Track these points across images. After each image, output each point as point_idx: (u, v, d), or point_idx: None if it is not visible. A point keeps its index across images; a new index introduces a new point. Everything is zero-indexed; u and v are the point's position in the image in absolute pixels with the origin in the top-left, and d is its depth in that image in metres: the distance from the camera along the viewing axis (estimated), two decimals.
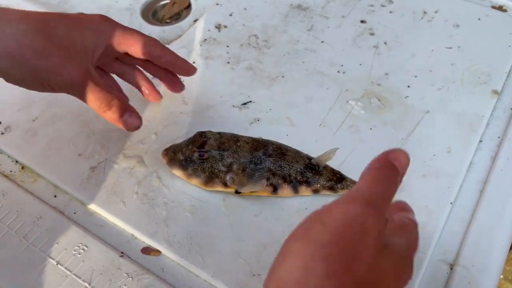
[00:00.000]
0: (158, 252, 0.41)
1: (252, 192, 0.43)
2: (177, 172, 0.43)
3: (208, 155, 0.42)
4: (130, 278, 0.39)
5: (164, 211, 0.43)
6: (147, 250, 0.41)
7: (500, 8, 0.59)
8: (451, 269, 0.39)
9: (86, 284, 0.39)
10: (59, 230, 0.42)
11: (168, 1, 0.71)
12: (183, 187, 0.44)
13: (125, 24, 0.63)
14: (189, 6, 0.70)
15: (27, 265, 0.40)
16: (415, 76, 0.52)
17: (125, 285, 0.39)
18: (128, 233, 0.42)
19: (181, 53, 0.56)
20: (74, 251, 0.41)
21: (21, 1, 0.63)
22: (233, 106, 0.51)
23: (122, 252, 0.41)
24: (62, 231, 0.42)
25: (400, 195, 0.42)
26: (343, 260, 0.24)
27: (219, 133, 0.44)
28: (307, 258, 0.25)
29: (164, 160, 0.44)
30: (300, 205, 0.43)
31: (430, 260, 0.40)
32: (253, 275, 0.39)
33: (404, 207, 0.34)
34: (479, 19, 0.58)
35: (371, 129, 0.48)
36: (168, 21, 0.69)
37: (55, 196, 0.45)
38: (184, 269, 0.40)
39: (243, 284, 0.39)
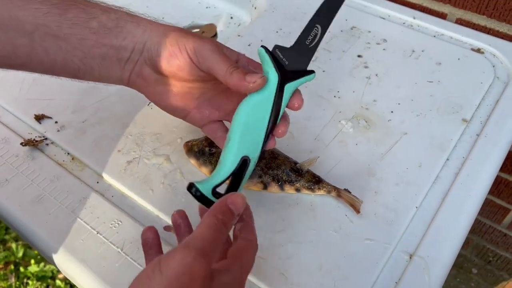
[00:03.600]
0: None
1: (246, 186, 0.53)
2: (192, 161, 0.55)
3: (216, 151, 0.53)
4: None
5: (184, 199, 0.53)
6: (168, 228, 0.51)
7: (478, 51, 0.69)
8: (410, 258, 0.49)
9: (119, 249, 0.49)
10: (100, 208, 0.53)
11: (198, 30, 0.83)
12: None
13: None
14: (215, 35, 0.82)
15: (75, 232, 0.51)
16: (399, 104, 0.63)
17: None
18: (154, 214, 0.53)
19: None
20: (111, 224, 0.51)
21: None
22: None
23: None
24: (102, 209, 0.53)
25: (376, 198, 0.52)
26: None
27: None
28: None
29: (184, 150, 0.56)
30: (292, 201, 0.53)
31: (394, 250, 0.49)
32: None
33: (246, 226, 0.40)
34: (458, 59, 0.68)
35: (356, 144, 0.58)
36: None
37: (97, 182, 0.56)
38: None
39: None
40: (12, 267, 1.36)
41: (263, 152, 0.45)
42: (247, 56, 0.49)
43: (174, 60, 0.44)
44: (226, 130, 0.49)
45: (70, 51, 0.44)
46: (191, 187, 0.42)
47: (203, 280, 0.32)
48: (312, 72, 0.46)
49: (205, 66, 0.44)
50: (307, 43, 0.47)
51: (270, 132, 0.44)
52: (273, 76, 0.43)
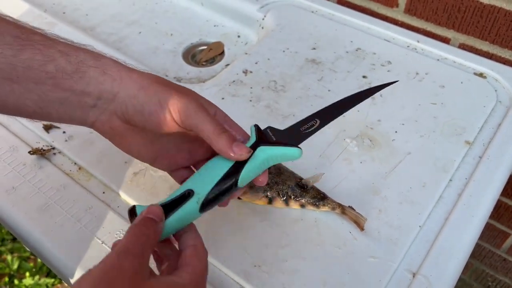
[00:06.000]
0: None
1: (251, 200, 0.53)
2: None
3: None
4: None
5: None
6: (173, 240, 0.52)
7: (481, 75, 0.70)
8: (413, 276, 0.49)
9: None
10: (105, 218, 0.53)
11: (205, 47, 0.85)
12: None
13: (168, 63, 0.78)
14: (222, 53, 0.83)
15: (79, 241, 0.51)
16: (403, 124, 0.64)
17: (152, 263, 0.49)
18: None
19: (213, 90, 0.69)
20: (116, 234, 0.52)
21: (80, 34, 0.78)
22: None
23: None
24: (107, 219, 0.53)
25: (380, 216, 0.53)
26: None
27: None
28: None
29: None
30: (297, 216, 0.54)
31: (397, 268, 0.49)
32: (254, 265, 0.49)
33: (188, 233, 0.41)
34: (461, 82, 0.69)
35: (361, 162, 0.59)
36: (204, 63, 0.82)
37: (103, 192, 0.56)
38: None
39: (245, 271, 0.49)
40: (6, 279, 1.35)
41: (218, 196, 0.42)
42: (222, 110, 0.47)
43: (153, 118, 0.41)
44: None
45: (23, 93, 0.40)
46: (133, 208, 0.41)
47: (132, 274, 0.32)
48: (296, 146, 0.44)
49: (188, 124, 0.41)
50: (301, 130, 0.47)
51: (233, 183, 0.42)
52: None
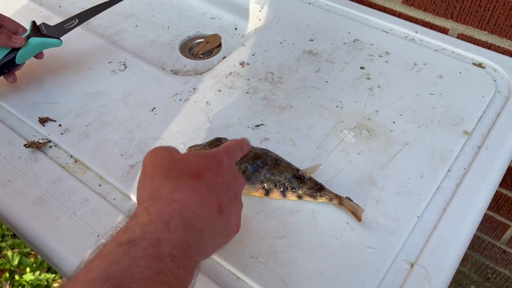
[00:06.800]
0: None
1: (248, 192, 0.53)
2: None
3: None
4: None
5: None
6: None
7: (480, 65, 0.70)
8: (411, 267, 0.48)
9: None
10: (101, 211, 0.53)
11: (202, 40, 0.84)
12: None
13: (165, 56, 0.77)
14: (219, 45, 0.83)
15: (75, 234, 0.51)
16: (400, 115, 0.63)
17: None
18: None
19: (210, 82, 0.68)
20: (112, 227, 0.51)
21: (77, 28, 0.77)
22: (248, 127, 0.62)
23: None
24: (103, 212, 0.53)
25: (377, 207, 0.53)
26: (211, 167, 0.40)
27: None
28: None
29: None
30: (294, 207, 0.53)
31: (395, 259, 0.49)
32: (251, 257, 0.49)
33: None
34: (460, 72, 0.69)
35: (358, 153, 0.59)
36: (201, 56, 0.82)
37: (99, 185, 0.56)
38: None
39: (242, 263, 0.48)
40: (7, 275, 1.35)
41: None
42: None
43: None
44: None
45: None
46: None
47: (229, 167, 0.42)
48: (57, 38, 0.67)
49: None
50: (65, 26, 0.69)
51: (12, 59, 0.64)
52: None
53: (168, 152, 0.41)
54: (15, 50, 0.63)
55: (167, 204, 0.36)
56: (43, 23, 0.68)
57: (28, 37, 0.64)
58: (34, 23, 0.67)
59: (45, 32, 0.67)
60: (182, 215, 0.36)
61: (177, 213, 0.36)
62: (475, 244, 1.08)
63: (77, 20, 0.70)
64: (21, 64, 0.65)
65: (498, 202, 0.92)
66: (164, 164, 0.39)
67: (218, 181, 0.40)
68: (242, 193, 0.45)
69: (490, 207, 0.95)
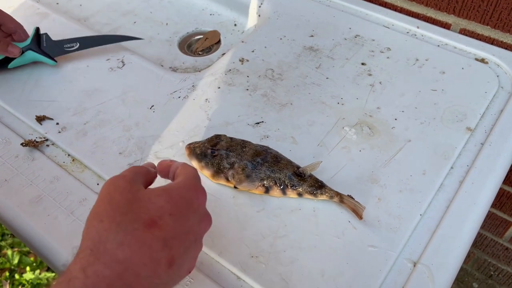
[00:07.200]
0: None
1: (248, 189, 0.52)
2: (194, 163, 0.54)
3: (218, 153, 0.53)
4: None
5: None
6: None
7: (482, 61, 0.69)
8: (414, 266, 0.48)
9: None
10: None
11: (201, 36, 0.83)
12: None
13: (164, 53, 0.77)
14: (219, 42, 0.82)
15: (73, 234, 0.50)
16: (402, 111, 0.62)
17: None
18: None
19: (209, 79, 0.67)
20: None
21: (73, 24, 0.76)
22: (248, 124, 0.61)
23: None
24: None
25: (379, 205, 0.52)
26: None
27: (231, 138, 0.55)
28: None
29: (186, 152, 0.55)
30: (295, 206, 0.53)
31: (398, 258, 0.48)
32: (252, 256, 0.48)
33: (176, 164, 0.44)
34: (462, 68, 0.68)
35: (360, 151, 0.58)
36: (200, 53, 0.81)
37: (97, 184, 0.55)
38: None
39: (243, 262, 0.48)
40: (7, 274, 1.34)
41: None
42: None
43: None
44: None
45: None
46: None
47: (125, 183, 0.37)
48: (52, 58, 0.68)
49: None
50: (65, 47, 0.69)
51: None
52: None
53: (130, 187, 0.37)
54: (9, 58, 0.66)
55: (108, 266, 0.32)
56: (46, 34, 0.69)
57: (26, 47, 0.66)
58: (37, 30, 0.68)
59: (44, 45, 0.68)
60: (123, 280, 0.32)
61: (118, 278, 0.32)
62: (478, 241, 1.07)
63: (78, 44, 0.70)
64: (12, 68, 0.68)
65: (501, 199, 0.92)
66: (119, 204, 0.35)
67: (177, 229, 0.36)
68: (205, 234, 0.41)
69: (493, 204, 0.94)
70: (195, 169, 0.43)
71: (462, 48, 0.71)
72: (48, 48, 0.68)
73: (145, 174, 0.42)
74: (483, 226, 1.02)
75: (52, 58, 0.68)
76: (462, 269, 1.18)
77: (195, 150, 0.54)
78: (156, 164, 0.45)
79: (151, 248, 0.34)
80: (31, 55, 0.67)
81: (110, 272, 0.32)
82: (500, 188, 0.87)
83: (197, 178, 0.42)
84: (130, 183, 0.37)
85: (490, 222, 0.99)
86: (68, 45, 0.69)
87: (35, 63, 0.70)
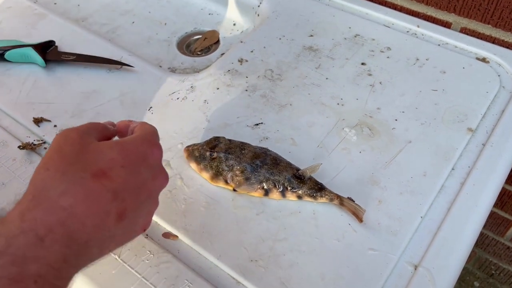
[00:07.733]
0: (176, 237, 0.50)
1: (247, 192, 0.52)
2: (192, 165, 0.54)
3: (217, 155, 0.52)
4: (152, 255, 0.48)
5: (183, 205, 0.52)
6: (167, 235, 0.50)
7: (483, 60, 0.68)
8: (415, 269, 0.47)
9: (116, 256, 0.48)
10: None
11: (200, 37, 0.83)
12: (200, 187, 0.54)
13: (162, 53, 0.76)
14: (217, 42, 0.81)
15: None
16: (403, 112, 0.62)
17: (147, 260, 0.48)
18: (152, 220, 0.52)
19: (208, 80, 0.67)
20: None
21: (71, 25, 0.76)
22: (247, 125, 0.61)
23: (147, 235, 0.50)
24: None
25: (380, 207, 0.51)
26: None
27: (229, 140, 0.54)
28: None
29: (184, 154, 0.55)
30: (295, 209, 0.52)
31: (398, 261, 0.48)
32: (251, 260, 0.48)
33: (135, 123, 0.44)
34: (463, 68, 0.67)
35: (360, 152, 0.57)
36: (199, 53, 0.80)
37: None
38: (196, 252, 0.49)
39: (242, 266, 0.47)
40: None
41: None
42: None
43: None
44: None
45: None
46: None
47: (77, 135, 0.36)
48: (44, 60, 0.69)
49: None
50: (62, 56, 0.70)
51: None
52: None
53: (81, 138, 0.35)
54: (6, 49, 0.69)
55: (50, 212, 0.31)
56: (56, 47, 0.72)
57: (32, 45, 0.70)
58: (53, 43, 0.72)
59: (47, 51, 0.71)
60: (65, 227, 0.31)
61: (59, 224, 0.31)
62: (479, 240, 1.07)
63: (75, 57, 0.70)
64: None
65: (502, 198, 0.91)
66: (68, 154, 0.34)
67: (130, 181, 0.35)
68: (161, 191, 0.40)
69: (495, 204, 0.93)
70: (153, 127, 0.42)
71: (463, 47, 0.70)
72: (50, 54, 0.70)
73: (102, 130, 0.40)
74: (484, 225, 1.01)
75: (44, 60, 0.69)
76: (463, 268, 1.18)
77: (194, 153, 0.54)
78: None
79: (99, 198, 0.33)
80: (28, 51, 0.68)
81: (50, 218, 0.31)
82: (502, 187, 0.87)
83: (154, 134, 0.41)
84: (81, 135, 0.36)
85: (492, 221, 0.98)
86: (65, 56, 0.70)
87: (33, 64, 0.69)
